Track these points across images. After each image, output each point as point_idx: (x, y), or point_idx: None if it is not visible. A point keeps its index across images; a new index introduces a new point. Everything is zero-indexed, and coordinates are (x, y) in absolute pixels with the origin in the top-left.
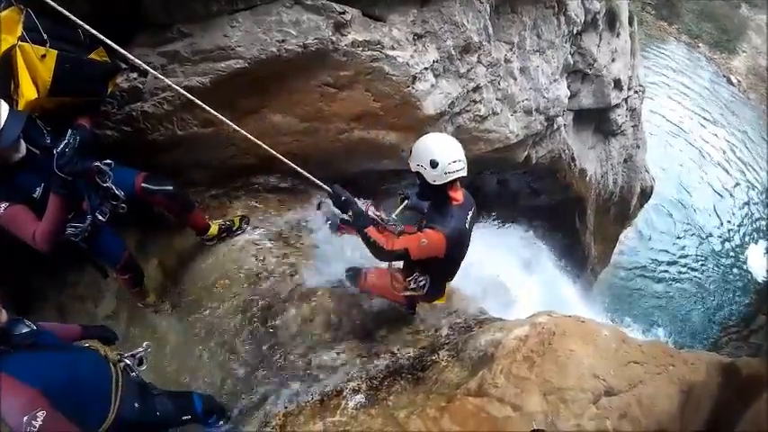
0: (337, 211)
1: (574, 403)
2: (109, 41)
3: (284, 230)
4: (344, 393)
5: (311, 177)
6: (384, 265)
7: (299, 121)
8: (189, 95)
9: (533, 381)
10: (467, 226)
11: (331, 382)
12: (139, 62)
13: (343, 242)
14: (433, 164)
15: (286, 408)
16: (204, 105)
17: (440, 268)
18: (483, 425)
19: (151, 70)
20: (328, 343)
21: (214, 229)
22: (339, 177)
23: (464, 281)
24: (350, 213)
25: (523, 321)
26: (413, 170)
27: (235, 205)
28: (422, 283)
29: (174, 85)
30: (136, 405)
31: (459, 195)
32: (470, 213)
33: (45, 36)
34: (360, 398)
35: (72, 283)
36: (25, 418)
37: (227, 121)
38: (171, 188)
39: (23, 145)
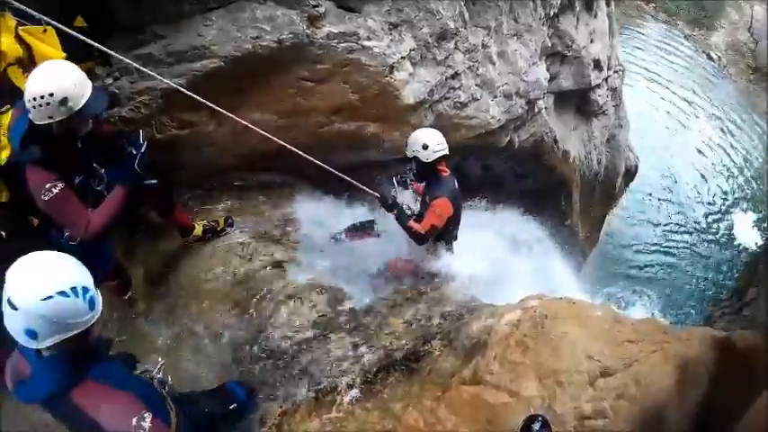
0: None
1: (570, 386)
2: (116, 53)
3: (269, 228)
4: (339, 389)
5: (359, 185)
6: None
7: (278, 117)
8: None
9: (528, 365)
10: (456, 187)
11: (325, 379)
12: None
13: (328, 238)
14: (425, 146)
15: (281, 407)
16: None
17: (449, 230)
18: (480, 412)
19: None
20: (320, 339)
21: (198, 229)
22: (321, 172)
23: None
24: (395, 212)
25: (514, 306)
26: (409, 156)
27: (218, 205)
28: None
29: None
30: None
31: (446, 168)
32: (456, 181)
33: (37, 15)
34: (354, 392)
35: None
36: (134, 420)
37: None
38: (155, 182)
39: (89, 123)
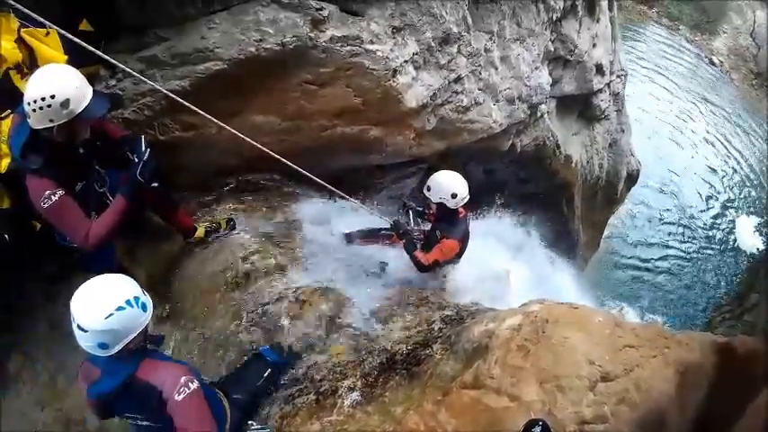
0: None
1: (571, 391)
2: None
3: (271, 231)
4: (340, 392)
5: (375, 211)
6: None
7: (281, 120)
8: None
9: (529, 370)
10: (468, 226)
11: (326, 381)
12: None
13: (331, 241)
14: (454, 195)
15: (282, 409)
16: (219, 122)
17: (451, 261)
18: (480, 416)
19: (153, 83)
20: (321, 342)
21: (201, 231)
22: (324, 175)
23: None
24: (404, 241)
25: (516, 310)
26: (435, 202)
27: (220, 208)
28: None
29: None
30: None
31: (463, 210)
32: (468, 218)
33: (40, 19)
34: (355, 395)
35: (62, 297)
36: (183, 378)
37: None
38: (156, 184)
39: (88, 128)
